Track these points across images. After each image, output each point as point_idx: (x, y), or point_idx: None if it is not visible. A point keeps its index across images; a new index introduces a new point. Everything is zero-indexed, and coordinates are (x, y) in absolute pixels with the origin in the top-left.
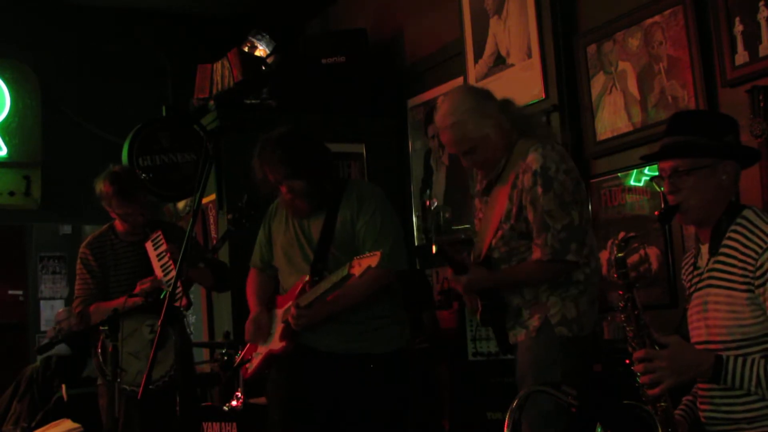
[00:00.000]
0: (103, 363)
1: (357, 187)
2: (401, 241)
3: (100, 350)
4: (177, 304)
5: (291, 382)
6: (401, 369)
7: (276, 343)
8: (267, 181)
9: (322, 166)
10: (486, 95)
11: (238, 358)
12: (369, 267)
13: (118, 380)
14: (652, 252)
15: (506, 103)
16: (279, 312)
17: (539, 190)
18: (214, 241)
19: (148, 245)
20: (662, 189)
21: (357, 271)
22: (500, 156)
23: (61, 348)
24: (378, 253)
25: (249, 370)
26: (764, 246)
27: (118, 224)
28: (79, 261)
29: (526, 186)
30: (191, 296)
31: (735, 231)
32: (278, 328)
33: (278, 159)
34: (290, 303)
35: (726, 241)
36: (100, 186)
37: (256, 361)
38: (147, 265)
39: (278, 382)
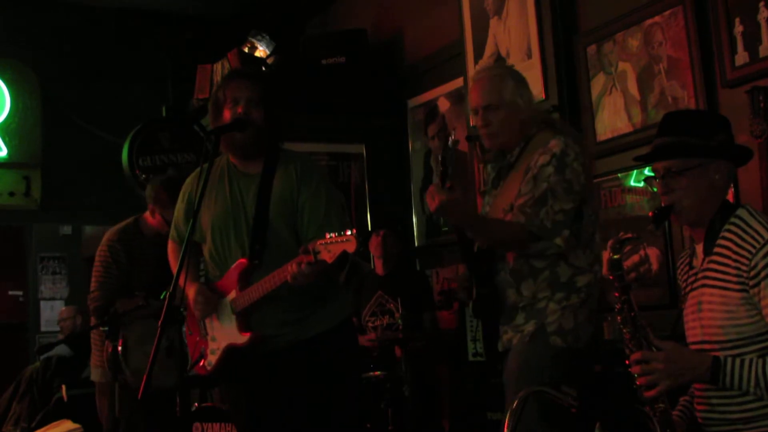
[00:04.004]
0: (124, 362)
1: (294, 158)
2: (347, 221)
3: (120, 348)
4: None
5: (242, 390)
6: (334, 347)
7: (239, 337)
8: (219, 105)
9: (283, 114)
10: (526, 81)
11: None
12: (345, 252)
13: (120, 380)
14: (653, 253)
15: (538, 106)
16: (229, 301)
17: (551, 169)
18: None
19: None
20: (655, 189)
21: (328, 257)
22: (515, 138)
23: (62, 348)
24: (353, 238)
25: (209, 367)
26: (758, 246)
27: (149, 224)
28: (107, 251)
29: (539, 164)
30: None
31: (729, 230)
32: (234, 319)
33: (255, 78)
34: (234, 291)
35: (720, 241)
36: (157, 191)
37: (216, 357)
38: (166, 265)
39: (233, 391)
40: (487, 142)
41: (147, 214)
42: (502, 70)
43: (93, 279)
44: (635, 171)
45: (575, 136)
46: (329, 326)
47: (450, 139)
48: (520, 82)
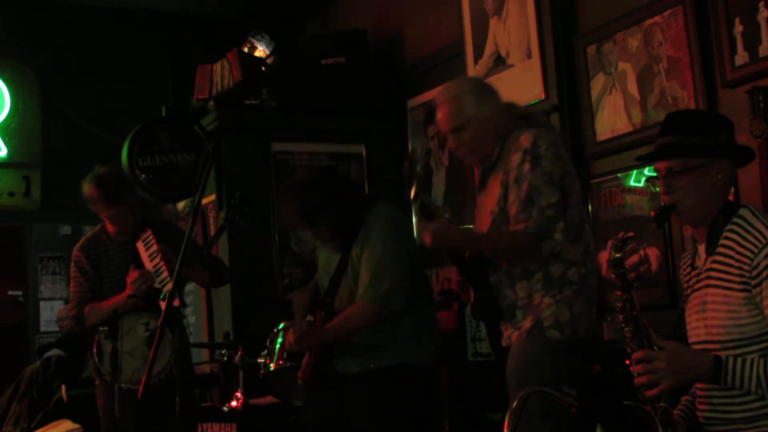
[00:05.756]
0: (99, 363)
1: (372, 218)
2: (399, 280)
3: (95, 350)
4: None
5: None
6: (400, 385)
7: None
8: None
9: (337, 211)
10: (487, 86)
11: (236, 358)
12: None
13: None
14: (652, 252)
15: (508, 104)
16: None
17: (527, 166)
18: None
19: (139, 245)
20: (658, 189)
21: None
22: (492, 145)
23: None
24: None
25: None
26: (760, 245)
27: (109, 225)
28: (72, 263)
29: (514, 165)
30: (191, 297)
31: (731, 230)
32: None
33: (295, 210)
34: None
35: (723, 241)
36: (86, 189)
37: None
38: (139, 265)
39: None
40: (466, 160)
41: None
42: (459, 89)
43: (69, 289)
44: (635, 171)
45: (547, 128)
46: (382, 365)
47: (411, 154)
48: (481, 92)
